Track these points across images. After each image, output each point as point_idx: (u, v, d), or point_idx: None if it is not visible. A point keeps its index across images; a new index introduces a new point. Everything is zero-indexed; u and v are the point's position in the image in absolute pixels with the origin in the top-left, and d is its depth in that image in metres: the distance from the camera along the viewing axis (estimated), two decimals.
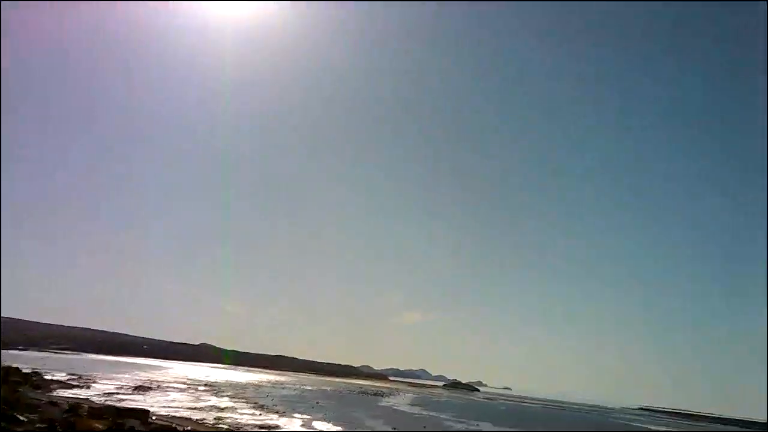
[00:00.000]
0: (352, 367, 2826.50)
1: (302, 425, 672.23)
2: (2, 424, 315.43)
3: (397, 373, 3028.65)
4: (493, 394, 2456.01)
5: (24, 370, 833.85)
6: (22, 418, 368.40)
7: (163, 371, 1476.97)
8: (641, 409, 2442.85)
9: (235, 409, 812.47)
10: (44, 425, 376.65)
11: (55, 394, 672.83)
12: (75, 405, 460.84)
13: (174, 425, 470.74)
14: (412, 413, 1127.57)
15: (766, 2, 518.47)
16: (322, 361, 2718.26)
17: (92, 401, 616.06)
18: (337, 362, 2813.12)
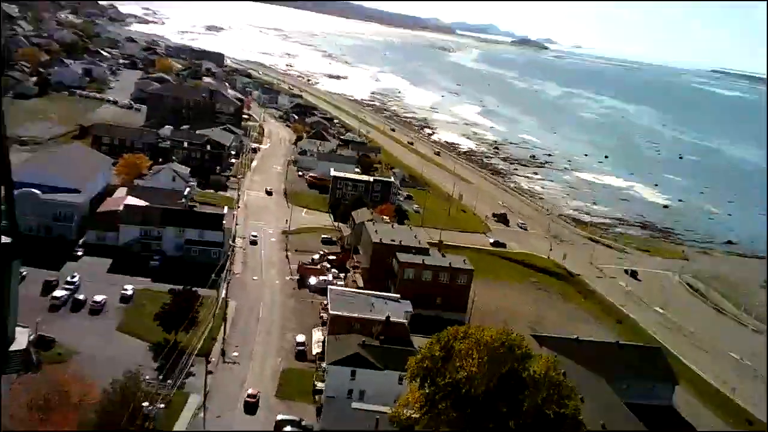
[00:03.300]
0: (419, 18, 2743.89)
1: (370, 76, 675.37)
2: (88, 58, 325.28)
3: (465, 27, 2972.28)
4: (562, 52, 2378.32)
5: (101, 2, 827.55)
6: (105, 53, 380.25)
7: (233, 11, 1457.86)
8: (713, 71, 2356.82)
9: (305, 56, 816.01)
10: (126, 61, 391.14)
11: (132, 28, 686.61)
12: (153, 42, 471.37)
13: (248, 70, 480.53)
14: (477, 69, 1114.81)
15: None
16: (390, 10, 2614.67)
17: (168, 39, 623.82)
18: (404, 12, 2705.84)
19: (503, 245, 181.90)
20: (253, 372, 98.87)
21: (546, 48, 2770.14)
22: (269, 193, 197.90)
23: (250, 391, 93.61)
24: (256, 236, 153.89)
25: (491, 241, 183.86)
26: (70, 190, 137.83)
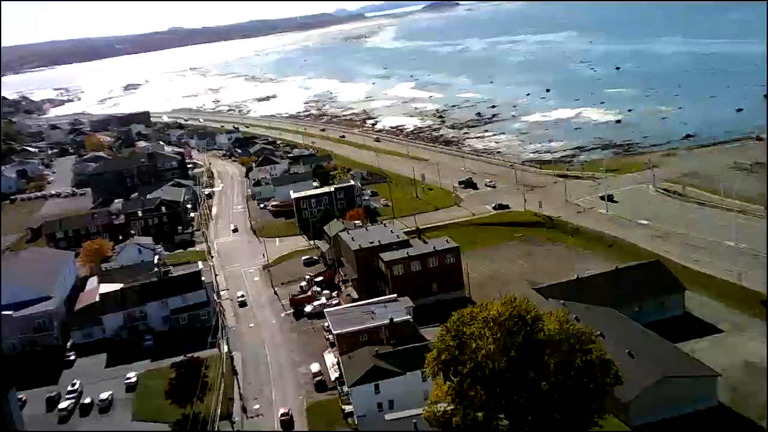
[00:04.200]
0: (326, 14, 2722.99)
1: (298, 87, 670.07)
2: (17, 159, 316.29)
3: (373, 8, 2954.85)
4: (473, 4, 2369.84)
5: (11, 97, 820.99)
6: (33, 149, 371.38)
7: (144, 65, 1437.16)
8: None
9: (228, 87, 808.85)
10: (56, 150, 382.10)
11: (51, 114, 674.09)
12: (76, 122, 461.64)
13: (178, 120, 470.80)
14: (398, 48, 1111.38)
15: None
16: (296, 15, 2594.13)
17: (90, 114, 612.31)
18: (310, 13, 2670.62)
19: (506, 207, 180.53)
20: (279, 418, 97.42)
21: (457, 4, 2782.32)
22: (235, 230, 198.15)
23: (282, 410, 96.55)
24: (243, 296, 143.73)
25: (493, 205, 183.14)
26: (41, 299, 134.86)
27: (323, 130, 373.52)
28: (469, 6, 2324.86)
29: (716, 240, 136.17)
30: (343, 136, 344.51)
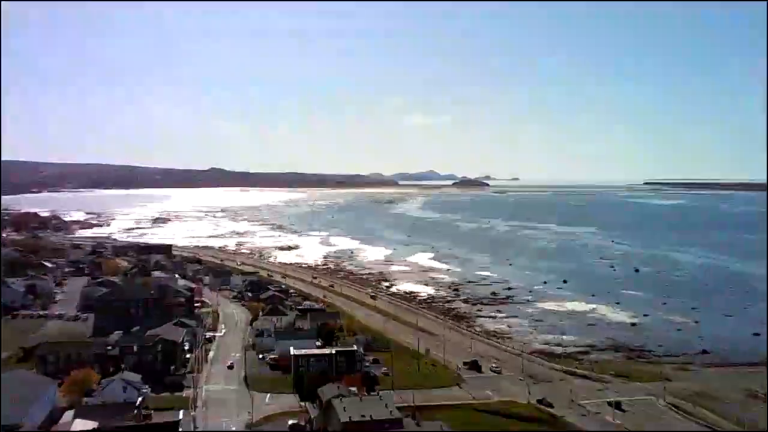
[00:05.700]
0: (360, 175, 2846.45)
1: (320, 242, 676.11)
2: (31, 273, 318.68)
3: (406, 176, 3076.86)
4: (501, 187, 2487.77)
5: (42, 214, 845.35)
6: (49, 264, 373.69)
7: (178, 200, 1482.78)
8: (646, 183, 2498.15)
9: (254, 233, 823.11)
10: (72, 268, 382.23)
11: (77, 235, 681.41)
12: (98, 245, 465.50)
13: (197, 255, 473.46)
14: (425, 218, 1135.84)
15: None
16: (332, 172, 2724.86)
17: (114, 239, 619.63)
18: (345, 173, 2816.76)
19: (550, 405, 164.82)
20: None
21: (486, 185, 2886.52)
22: (230, 367, 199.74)
23: None
24: None
25: (535, 399, 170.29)
26: (10, 427, 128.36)
27: (315, 278, 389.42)
28: (496, 188, 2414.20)
29: None
30: (332, 286, 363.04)
